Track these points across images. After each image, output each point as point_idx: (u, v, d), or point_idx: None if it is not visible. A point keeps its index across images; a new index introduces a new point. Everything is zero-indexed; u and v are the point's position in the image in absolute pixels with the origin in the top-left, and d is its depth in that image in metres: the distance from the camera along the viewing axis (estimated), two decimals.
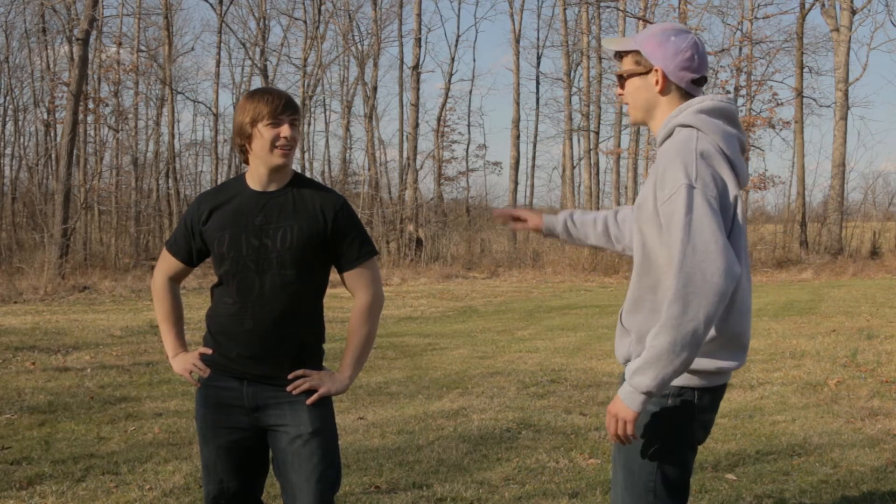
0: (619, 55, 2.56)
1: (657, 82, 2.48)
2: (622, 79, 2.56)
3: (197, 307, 14.58)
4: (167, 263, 2.88)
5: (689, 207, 2.25)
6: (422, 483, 4.60)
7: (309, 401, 2.70)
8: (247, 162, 2.74)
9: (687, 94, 2.49)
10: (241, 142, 2.69)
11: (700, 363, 2.40)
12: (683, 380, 2.41)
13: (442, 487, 4.52)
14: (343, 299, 12.95)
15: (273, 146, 2.63)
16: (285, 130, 2.63)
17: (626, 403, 2.30)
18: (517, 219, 2.96)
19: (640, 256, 2.44)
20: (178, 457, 5.12)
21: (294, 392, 2.70)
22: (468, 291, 18.64)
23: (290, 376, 2.71)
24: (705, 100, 2.46)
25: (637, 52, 2.50)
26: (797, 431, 5.73)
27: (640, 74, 2.50)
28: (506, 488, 4.54)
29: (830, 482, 4.63)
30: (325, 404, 2.75)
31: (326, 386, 2.73)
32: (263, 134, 2.63)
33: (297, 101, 29.69)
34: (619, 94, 2.59)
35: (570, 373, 8.04)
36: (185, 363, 2.83)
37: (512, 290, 19.04)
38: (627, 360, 2.49)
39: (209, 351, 2.78)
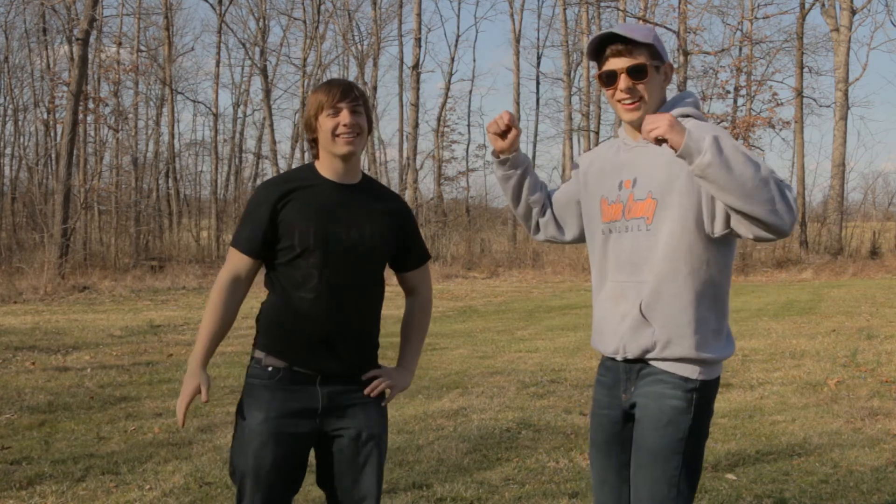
0: (627, 49, 2.47)
1: (666, 75, 2.53)
2: (639, 72, 2.47)
3: (197, 307, 14.58)
4: (234, 262, 2.67)
5: (730, 138, 2.25)
6: (422, 483, 4.60)
7: (384, 403, 2.74)
8: (317, 156, 2.71)
9: None
10: (311, 136, 2.68)
11: (714, 355, 2.48)
12: (706, 374, 2.47)
13: (442, 487, 4.52)
14: None
15: (334, 135, 2.61)
16: (344, 117, 2.61)
17: (687, 130, 2.22)
18: (507, 131, 2.66)
19: (669, 242, 2.43)
20: (178, 457, 5.12)
21: (373, 394, 2.71)
22: (468, 291, 18.63)
23: (365, 377, 2.72)
24: (679, 92, 2.60)
25: (651, 47, 2.49)
26: (797, 431, 5.73)
27: (655, 70, 2.50)
28: (506, 488, 4.54)
29: (830, 482, 4.63)
30: (383, 401, 2.78)
31: (399, 384, 2.79)
32: (324, 125, 2.62)
33: (297, 100, 29.74)
34: (634, 86, 2.46)
35: (570, 373, 8.04)
36: (190, 388, 2.60)
37: (512, 290, 19.03)
38: (646, 352, 2.48)
39: (204, 398, 2.59)
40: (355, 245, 2.65)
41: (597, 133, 31.92)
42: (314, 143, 2.70)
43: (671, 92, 2.66)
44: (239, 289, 2.68)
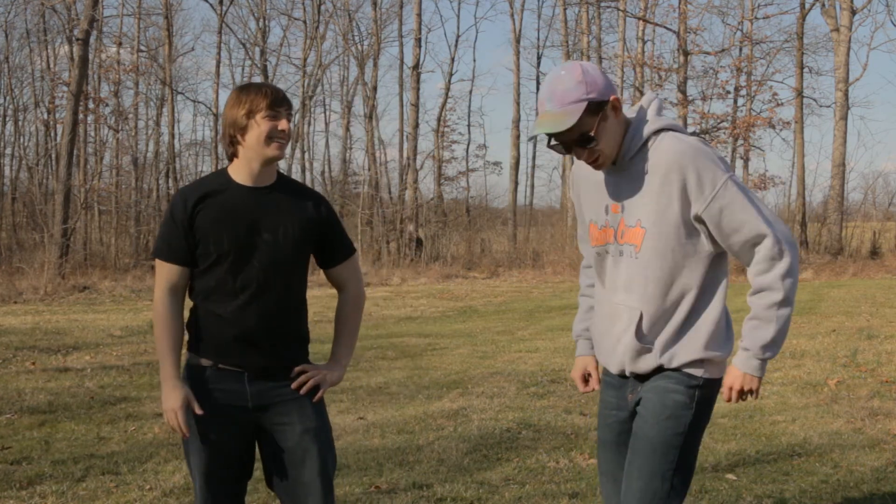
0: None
1: (615, 109, 2.44)
2: (586, 141, 2.42)
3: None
4: (165, 274, 2.71)
5: (744, 190, 2.38)
6: (422, 483, 4.60)
7: (316, 398, 2.75)
8: (235, 155, 2.70)
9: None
10: (234, 133, 2.65)
11: (721, 353, 2.54)
12: (710, 372, 2.53)
13: (442, 487, 4.52)
14: None
15: (270, 139, 2.62)
16: (283, 124, 2.63)
17: (754, 374, 2.48)
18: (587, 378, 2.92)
19: (659, 274, 2.47)
20: (178, 457, 5.12)
21: (302, 391, 2.72)
22: (468, 291, 18.63)
23: (292, 374, 2.75)
24: (650, 101, 2.53)
25: (587, 107, 2.38)
26: (797, 431, 5.73)
27: (601, 121, 2.42)
28: (506, 488, 4.54)
29: (830, 482, 4.62)
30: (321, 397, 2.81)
31: (329, 379, 2.80)
32: (261, 125, 2.61)
33: (297, 100, 29.77)
34: (586, 155, 2.45)
35: (571, 373, 8.02)
36: (181, 395, 2.67)
37: (512, 290, 19.03)
38: (657, 369, 2.52)
39: (198, 410, 2.67)
40: (269, 248, 2.68)
41: None
42: (234, 142, 2.67)
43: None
44: (178, 297, 2.76)
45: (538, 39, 45.29)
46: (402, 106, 32.02)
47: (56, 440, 5.54)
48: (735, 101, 28.50)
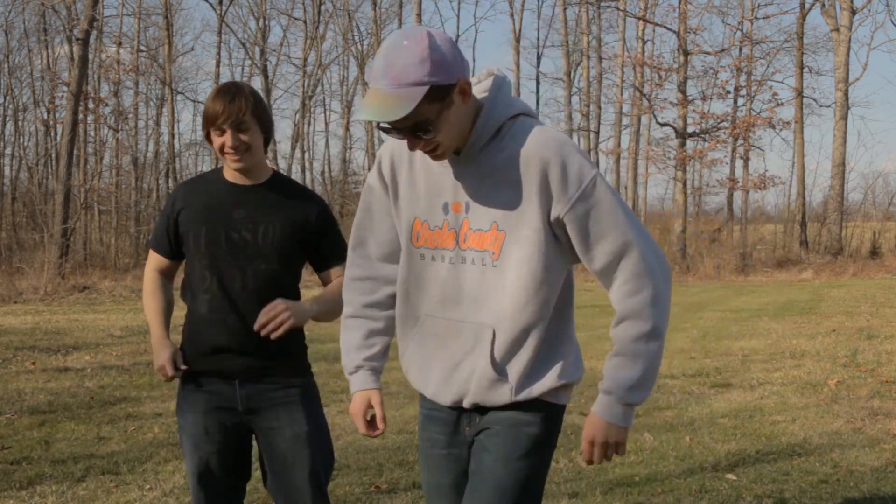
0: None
1: (463, 94, 1.99)
2: (423, 129, 1.96)
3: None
4: (154, 261, 2.83)
5: (614, 192, 2.03)
6: (422, 483, 4.59)
7: (275, 333, 2.57)
8: None
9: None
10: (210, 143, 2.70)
11: (571, 380, 2.19)
12: (562, 398, 2.20)
13: None
14: None
15: (222, 153, 2.63)
16: (227, 139, 2.58)
17: (620, 423, 2.07)
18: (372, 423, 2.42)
19: (518, 286, 2.05)
20: (178, 457, 5.12)
21: (263, 333, 2.56)
22: None
23: (257, 321, 2.57)
24: (494, 81, 2.10)
25: (428, 92, 1.92)
26: (797, 431, 5.73)
27: (444, 108, 1.96)
28: None
29: (830, 482, 4.62)
30: (313, 400, 2.76)
31: (293, 317, 2.59)
32: (213, 141, 2.63)
33: (297, 100, 29.72)
34: (422, 146, 2.00)
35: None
36: (169, 352, 2.66)
37: None
38: (508, 405, 2.14)
39: (181, 366, 2.68)
40: (248, 245, 2.65)
41: (597, 133, 31.93)
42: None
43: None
44: (165, 276, 2.84)
45: (538, 39, 45.36)
46: None
47: (56, 440, 5.54)
48: (735, 101, 28.53)
